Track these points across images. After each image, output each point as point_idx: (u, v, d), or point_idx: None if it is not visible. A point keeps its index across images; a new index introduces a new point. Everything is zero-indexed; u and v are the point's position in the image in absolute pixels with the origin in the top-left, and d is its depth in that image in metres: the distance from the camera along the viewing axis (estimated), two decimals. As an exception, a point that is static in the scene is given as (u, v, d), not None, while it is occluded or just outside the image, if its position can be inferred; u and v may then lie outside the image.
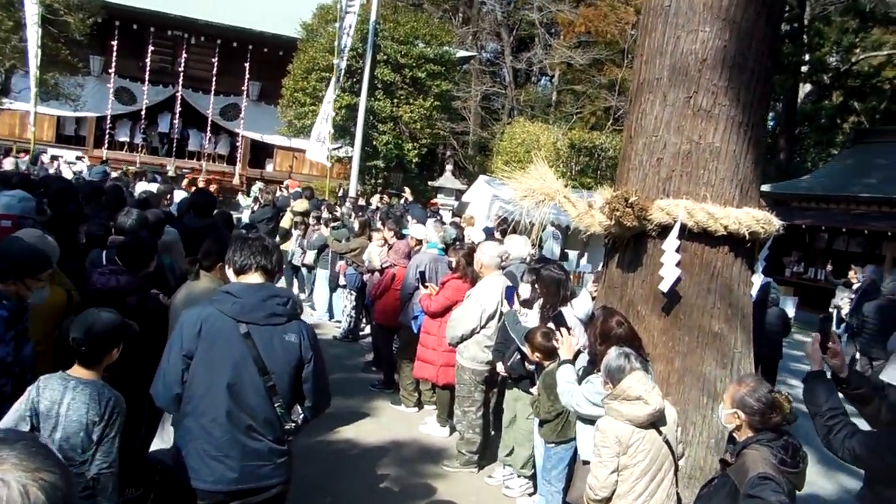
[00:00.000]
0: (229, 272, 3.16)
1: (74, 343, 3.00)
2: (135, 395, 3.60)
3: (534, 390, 4.95)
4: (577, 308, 5.07)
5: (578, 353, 4.46)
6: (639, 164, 4.74)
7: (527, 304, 5.37)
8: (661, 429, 3.47)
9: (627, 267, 4.73)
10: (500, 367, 5.50)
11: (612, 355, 3.57)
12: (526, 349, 4.92)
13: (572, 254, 16.61)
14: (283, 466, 3.08)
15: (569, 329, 4.47)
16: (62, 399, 2.95)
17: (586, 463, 3.82)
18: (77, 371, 3.05)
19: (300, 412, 3.12)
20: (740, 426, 3.06)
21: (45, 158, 16.77)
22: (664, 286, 4.32)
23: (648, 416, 3.38)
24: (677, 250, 4.31)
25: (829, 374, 3.34)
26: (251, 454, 2.96)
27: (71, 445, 2.90)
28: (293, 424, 3.07)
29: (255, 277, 3.08)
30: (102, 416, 2.96)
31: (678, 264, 4.30)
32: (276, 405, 2.99)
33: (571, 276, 13.89)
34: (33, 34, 15.36)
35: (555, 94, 33.62)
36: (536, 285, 5.24)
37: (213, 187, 17.51)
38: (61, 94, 19.37)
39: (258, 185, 18.91)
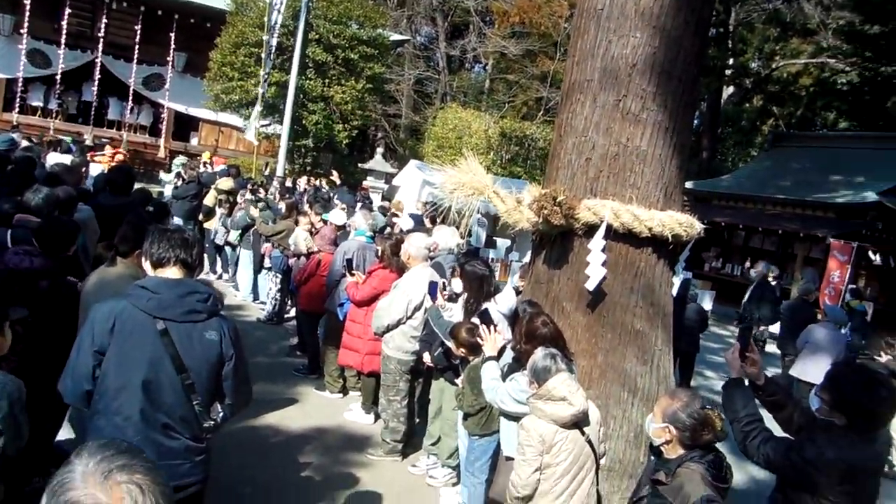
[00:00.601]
0: (146, 264, 3.05)
1: None
2: (44, 383, 3.46)
3: (458, 383, 5.00)
4: (501, 303, 5.14)
5: (503, 349, 4.52)
6: (567, 164, 4.81)
7: (451, 298, 5.40)
8: (585, 429, 3.56)
9: (554, 264, 4.81)
10: (426, 357, 5.53)
11: (539, 356, 3.64)
12: (450, 343, 4.96)
13: (501, 242, 16.80)
14: (201, 464, 3.01)
15: (493, 325, 4.52)
16: None
17: (509, 459, 3.89)
18: None
19: (219, 410, 3.04)
20: (670, 441, 3.06)
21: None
22: (590, 284, 4.42)
23: (572, 416, 3.47)
24: (603, 250, 4.42)
25: (746, 382, 3.46)
26: (167, 453, 2.87)
27: None
28: (212, 422, 3.00)
29: (173, 272, 2.99)
30: None
31: (604, 263, 4.41)
32: (194, 403, 2.91)
33: (499, 265, 14.09)
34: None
35: (487, 82, 33.77)
36: (460, 280, 5.29)
37: (119, 157, 16.84)
38: (-34, 54, 18.29)
39: (180, 158, 18.30)
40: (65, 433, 4.56)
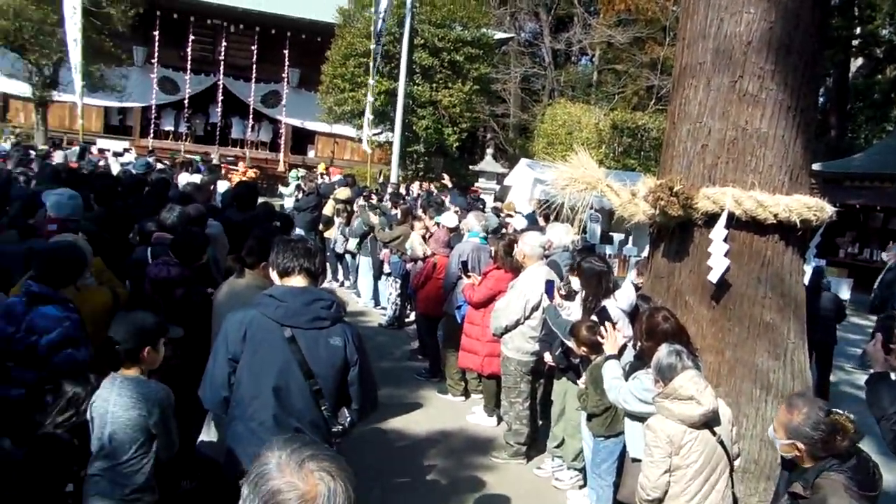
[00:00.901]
0: (273, 274, 3.18)
1: (112, 343, 3.09)
2: (185, 388, 3.68)
3: (581, 383, 4.91)
4: (621, 300, 4.99)
5: (624, 347, 4.40)
6: (683, 152, 4.64)
7: (568, 296, 5.31)
8: (716, 429, 3.40)
9: (674, 256, 4.65)
10: (547, 357, 5.46)
11: (663, 353, 3.51)
12: (571, 343, 4.88)
13: (616, 237, 16.42)
14: None
15: (613, 323, 4.41)
16: (109, 397, 3.06)
17: (636, 461, 3.78)
18: (122, 370, 3.15)
19: (347, 415, 3.12)
20: (801, 455, 2.84)
21: (94, 150, 17.13)
22: (713, 276, 4.24)
23: (701, 416, 3.32)
24: (725, 240, 4.22)
25: (893, 376, 3.19)
26: None
27: (119, 442, 3.00)
28: (340, 427, 3.08)
29: (298, 280, 3.10)
30: (150, 410, 3.05)
31: (727, 254, 4.21)
32: (322, 408, 3.00)
33: (616, 260, 13.76)
34: (73, 27, 15.60)
35: (595, 74, 33.11)
36: (573, 286, 5.19)
37: (251, 174, 17.72)
38: (107, 86, 19.75)
39: (297, 171, 19.02)
40: (203, 436, 4.81)
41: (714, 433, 3.39)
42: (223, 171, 16.11)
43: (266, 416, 2.95)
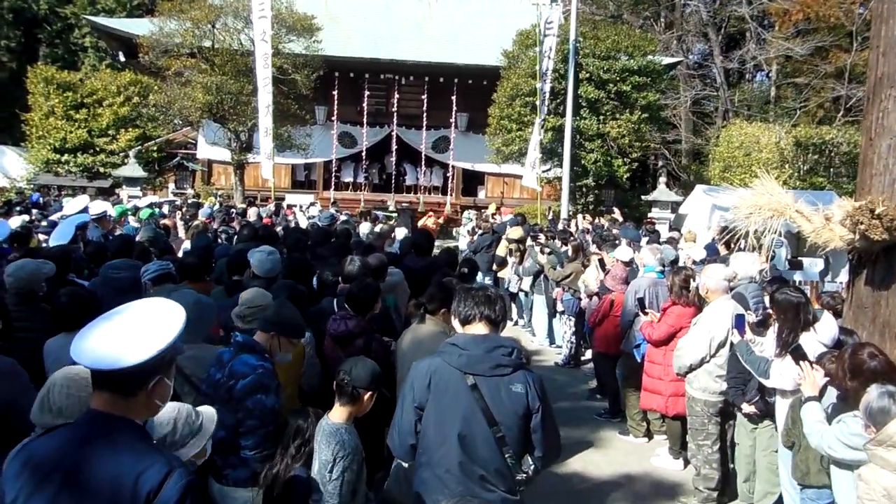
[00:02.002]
0: (455, 322, 3.25)
1: (343, 383, 3.32)
2: (371, 433, 3.84)
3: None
4: (822, 333, 4.59)
5: (825, 387, 4.03)
6: (884, 169, 4.27)
7: (759, 331, 4.96)
8: (942, 482, 3.02)
9: (879, 285, 4.26)
10: (746, 408, 5.09)
11: (874, 395, 3.18)
12: (765, 381, 4.54)
13: (809, 262, 15.18)
14: None
15: (810, 362, 4.05)
16: (318, 439, 3.31)
17: (847, 514, 3.43)
18: (331, 414, 3.39)
19: (530, 462, 3.10)
20: None
21: (284, 205, 18.57)
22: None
23: (923, 467, 2.96)
24: (942, 264, 3.79)
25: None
26: (489, 502, 2.99)
27: (321, 478, 3.22)
28: (524, 475, 3.06)
29: (479, 328, 3.14)
30: (333, 457, 3.23)
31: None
32: (506, 456, 3.00)
33: (810, 288, 12.75)
34: (265, 95, 17.16)
35: (773, 90, 31.27)
36: (771, 310, 4.82)
37: (440, 220, 18.33)
38: (293, 145, 21.41)
39: (468, 213, 19.43)
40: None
41: (942, 486, 3.00)
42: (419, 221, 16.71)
43: (452, 464, 2.99)
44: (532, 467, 3.08)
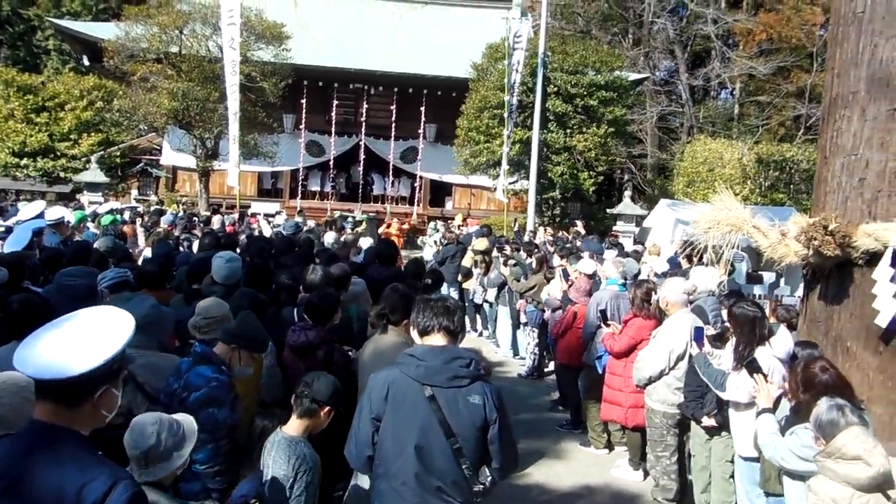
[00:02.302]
0: (413, 333, 3.24)
1: (303, 396, 3.34)
2: (330, 447, 3.80)
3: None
4: (777, 347, 4.67)
5: (779, 399, 4.10)
6: (837, 187, 4.34)
7: (717, 344, 5.03)
8: (891, 493, 3.07)
9: (832, 299, 4.33)
10: (705, 421, 5.14)
11: (823, 408, 3.23)
12: (722, 394, 4.60)
13: (767, 276, 15.45)
14: None
15: (765, 375, 4.12)
16: (271, 451, 3.29)
17: (799, 525, 3.48)
18: (286, 427, 3.37)
19: (487, 474, 3.08)
20: None
21: (248, 213, 18.40)
22: (881, 320, 3.89)
23: (870, 479, 3.01)
24: (893, 279, 3.87)
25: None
26: None
27: (276, 491, 3.19)
28: (481, 486, 3.05)
29: (438, 339, 3.13)
30: (294, 472, 3.21)
31: (895, 295, 3.86)
32: (463, 467, 2.98)
33: (767, 302, 12.96)
34: (233, 102, 17.02)
35: (736, 108, 31.90)
36: (728, 324, 4.89)
37: (404, 227, 18.28)
38: (260, 153, 21.24)
39: (433, 224, 19.43)
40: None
41: (888, 497, 3.06)
42: (382, 232, 16.62)
43: (408, 476, 2.97)
44: (489, 478, 3.07)
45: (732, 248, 5.26)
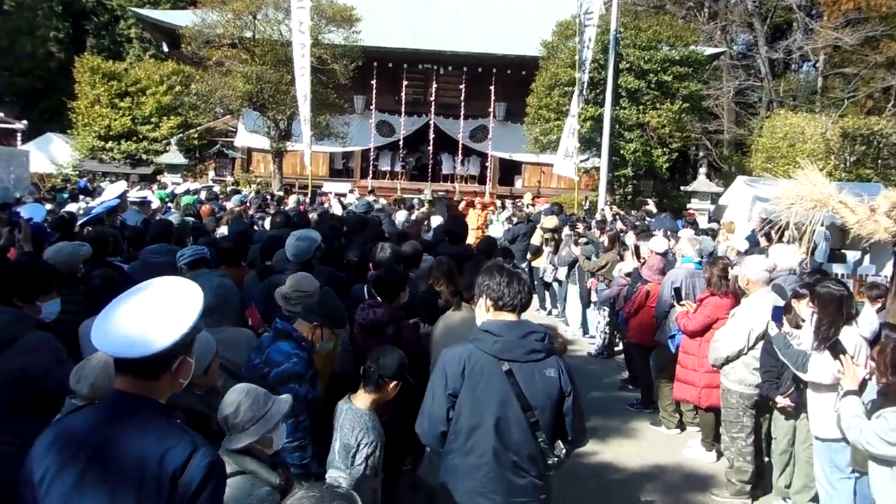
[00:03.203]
0: (481, 301, 3.20)
1: (370, 371, 3.44)
2: (401, 421, 3.86)
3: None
4: (863, 326, 4.48)
5: (865, 382, 3.93)
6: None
7: (797, 325, 4.85)
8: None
9: (924, 277, 4.12)
10: (780, 400, 5.01)
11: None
12: (803, 374, 4.45)
13: (851, 255, 14.82)
14: (546, 501, 3.10)
15: (851, 356, 3.95)
16: (339, 419, 3.40)
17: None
18: (356, 398, 3.47)
19: (562, 447, 3.09)
20: None
21: (319, 192, 18.74)
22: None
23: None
24: None
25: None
26: (516, 491, 2.99)
27: (341, 457, 3.31)
28: (555, 459, 3.06)
29: (508, 315, 3.11)
30: (357, 443, 3.31)
31: None
32: (539, 440, 2.99)
33: (851, 281, 12.47)
34: (303, 84, 17.26)
35: (820, 80, 30.53)
36: (812, 304, 4.69)
37: (487, 208, 18.26)
38: (332, 134, 21.54)
39: (500, 202, 19.21)
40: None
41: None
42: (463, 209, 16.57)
43: (486, 450, 2.98)
44: (563, 451, 3.08)
45: (817, 224, 5.09)
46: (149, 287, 2.09)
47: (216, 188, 18.39)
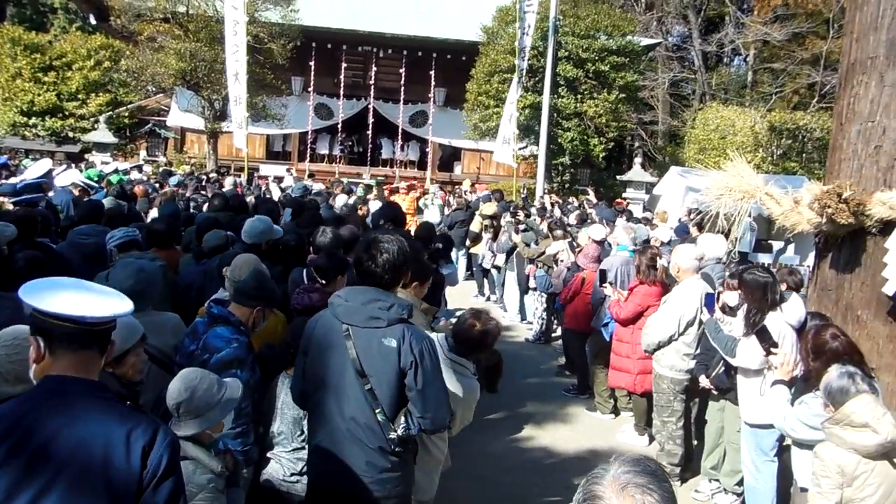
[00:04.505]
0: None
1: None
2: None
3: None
4: (789, 314, 4.65)
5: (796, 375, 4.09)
6: (853, 154, 4.30)
7: (730, 311, 5.02)
8: None
9: (843, 268, 4.31)
10: (703, 381, 5.20)
11: (834, 375, 3.23)
12: (731, 360, 4.61)
13: (776, 245, 15.38)
14: (390, 481, 2.98)
15: (776, 344, 4.11)
16: (282, 393, 3.54)
17: (804, 490, 3.50)
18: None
19: (403, 422, 2.96)
20: None
21: (257, 176, 18.37)
22: (889, 289, 3.87)
23: (878, 446, 3.02)
24: (905, 249, 3.85)
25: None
26: (354, 458, 2.93)
27: (289, 431, 3.46)
28: (396, 435, 2.94)
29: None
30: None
31: (906, 264, 3.83)
32: (376, 411, 2.92)
33: (774, 270, 12.91)
34: (233, 63, 16.66)
35: (750, 75, 31.44)
36: (740, 291, 4.87)
37: (418, 192, 18.13)
38: (269, 115, 21.11)
39: (432, 187, 19.10)
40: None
41: (895, 465, 3.07)
42: (387, 194, 16.47)
43: (327, 410, 2.99)
44: (404, 427, 2.95)
45: (744, 216, 5.24)
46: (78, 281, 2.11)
47: (147, 167, 17.82)
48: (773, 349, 4.10)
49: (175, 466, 1.96)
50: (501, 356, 3.86)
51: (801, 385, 3.86)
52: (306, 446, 3.35)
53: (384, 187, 17.35)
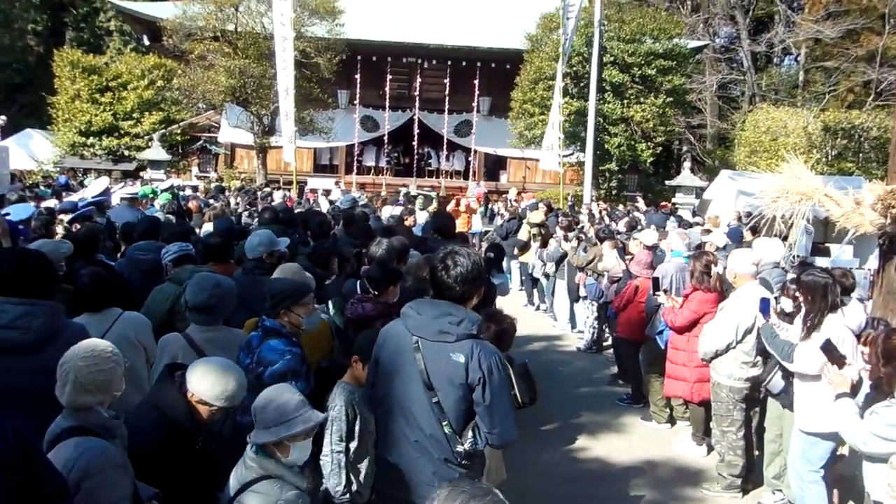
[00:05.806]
0: None
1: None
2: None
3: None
4: (850, 317, 4.51)
5: (858, 382, 3.93)
6: (918, 153, 4.16)
7: (787, 317, 4.88)
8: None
9: (911, 270, 4.16)
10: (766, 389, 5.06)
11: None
12: (788, 365, 4.48)
13: (834, 248, 14.96)
14: None
15: (844, 357, 3.93)
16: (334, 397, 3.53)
17: None
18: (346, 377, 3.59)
19: (470, 437, 2.96)
20: None
21: (306, 189, 18.64)
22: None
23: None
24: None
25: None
26: (419, 468, 2.96)
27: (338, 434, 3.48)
28: (463, 448, 2.95)
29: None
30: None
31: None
32: (443, 423, 2.94)
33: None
34: (284, 78, 16.90)
35: (801, 74, 30.74)
36: (798, 294, 4.73)
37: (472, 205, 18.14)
38: (316, 129, 21.42)
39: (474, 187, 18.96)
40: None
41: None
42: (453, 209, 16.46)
43: (395, 418, 3.04)
44: (470, 441, 2.95)
45: (800, 219, 5.11)
46: None
47: (200, 185, 18.23)
48: (844, 362, 3.91)
49: None
50: (513, 321, 4.11)
51: (873, 393, 3.71)
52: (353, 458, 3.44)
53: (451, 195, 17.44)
